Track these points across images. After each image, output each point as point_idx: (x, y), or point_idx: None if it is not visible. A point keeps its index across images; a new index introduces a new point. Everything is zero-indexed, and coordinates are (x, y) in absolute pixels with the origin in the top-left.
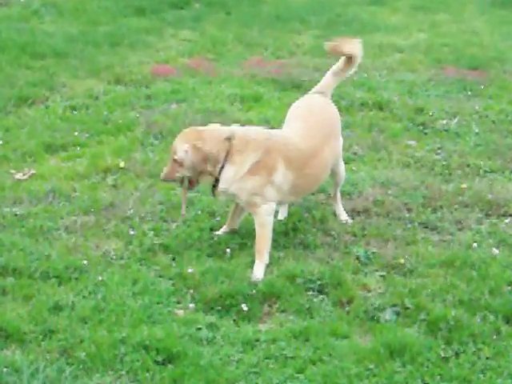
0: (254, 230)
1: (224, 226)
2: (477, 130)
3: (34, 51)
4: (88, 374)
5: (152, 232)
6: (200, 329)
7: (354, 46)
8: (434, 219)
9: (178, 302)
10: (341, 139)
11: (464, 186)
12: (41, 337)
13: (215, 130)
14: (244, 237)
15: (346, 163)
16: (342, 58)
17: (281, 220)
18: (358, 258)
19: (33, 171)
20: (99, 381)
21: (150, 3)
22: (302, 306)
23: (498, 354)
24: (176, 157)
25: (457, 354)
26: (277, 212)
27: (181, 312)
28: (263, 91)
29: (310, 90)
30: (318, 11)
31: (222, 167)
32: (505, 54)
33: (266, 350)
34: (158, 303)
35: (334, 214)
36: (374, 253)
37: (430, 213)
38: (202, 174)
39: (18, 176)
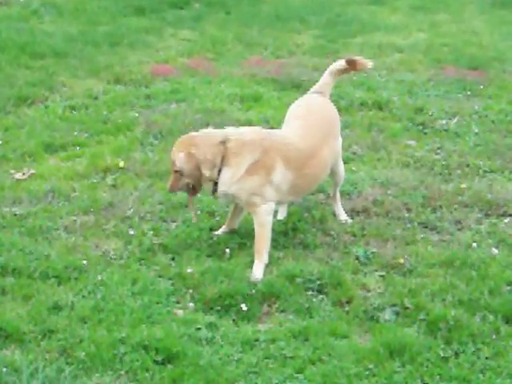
0: (253, 229)
1: (223, 226)
2: (476, 130)
3: (33, 51)
4: (87, 374)
5: (151, 232)
6: (199, 329)
7: (366, 65)
8: (434, 219)
9: (178, 302)
10: (340, 139)
11: (463, 185)
12: (40, 336)
13: (208, 135)
14: (243, 237)
15: (345, 163)
16: (343, 62)
17: (280, 220)
18: (357, 257)
19: (32, 171)
20: (98, 380)
21: (149, 3)
22: (301, 306)
23: (498, 353)
24: (175, 167)
25: (456, 354)
26: (276, 212)
27: (180, 312)
28: (263, 91)
29: (309, 89)
30: (317, 11)
31: (220, 171)
32: (504, 54)
33: (265, 349)
34: (157, 303)
35: (334, 214)
36: (373, 253)
37: (430, 213)
38: (202, 179)
39: (18, 176)
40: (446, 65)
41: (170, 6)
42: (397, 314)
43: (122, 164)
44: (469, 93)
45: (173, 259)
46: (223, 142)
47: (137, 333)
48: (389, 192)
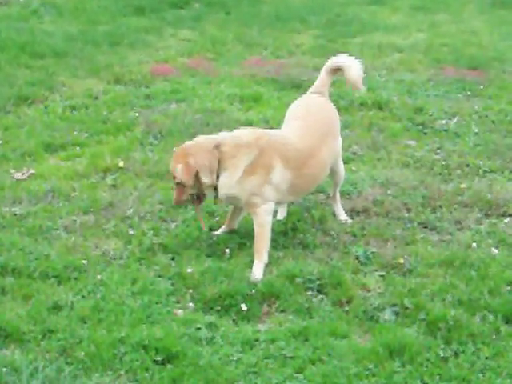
0: (252, 229)
1: (223, 226)
2: (476, 130)
3: (33, 51)
4: (87, 374)
5: (151, 232)
6: (199, 328)
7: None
8: (434, 219)
9: (178, 302)
10: (340, 139)
11: (463, 185)
12: (40, 336)
13: (202, 142)
14: (243, 237)
15: (345, 163)
16: (337, 61)
17: (280, 220)
18: (357, 257)
19: (32, 171)
20: (98, 380)
21: (149, 3)
22: (301, 306)
23: (498, 353)
24: (176, 180)
25: (456, 354)
26: (276, 212)
27: (180, 312)
28: (263, 91)
29: (309, 89)
30: (317, 11)
31: (218, 175)
32: (504, 54)
33: (265, 349)
34: (157, 303)
35: (334, 214)
36: (373, 252)
37: (430, 213)
38: (204, 187)
39: (18, 176)
40: (446, 65)
41: (170, 6)
42: (397, 314)
43: (121, 164)
44: (469, 93)
45: (173, 259)
46: (217, 147)
47: (136, 333)
48: (389, 192)
